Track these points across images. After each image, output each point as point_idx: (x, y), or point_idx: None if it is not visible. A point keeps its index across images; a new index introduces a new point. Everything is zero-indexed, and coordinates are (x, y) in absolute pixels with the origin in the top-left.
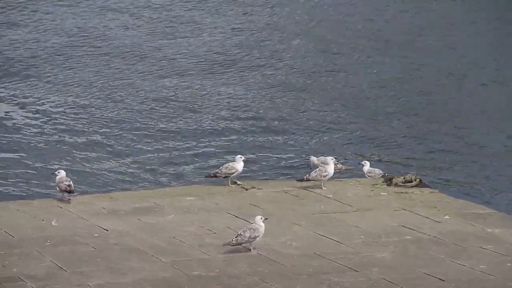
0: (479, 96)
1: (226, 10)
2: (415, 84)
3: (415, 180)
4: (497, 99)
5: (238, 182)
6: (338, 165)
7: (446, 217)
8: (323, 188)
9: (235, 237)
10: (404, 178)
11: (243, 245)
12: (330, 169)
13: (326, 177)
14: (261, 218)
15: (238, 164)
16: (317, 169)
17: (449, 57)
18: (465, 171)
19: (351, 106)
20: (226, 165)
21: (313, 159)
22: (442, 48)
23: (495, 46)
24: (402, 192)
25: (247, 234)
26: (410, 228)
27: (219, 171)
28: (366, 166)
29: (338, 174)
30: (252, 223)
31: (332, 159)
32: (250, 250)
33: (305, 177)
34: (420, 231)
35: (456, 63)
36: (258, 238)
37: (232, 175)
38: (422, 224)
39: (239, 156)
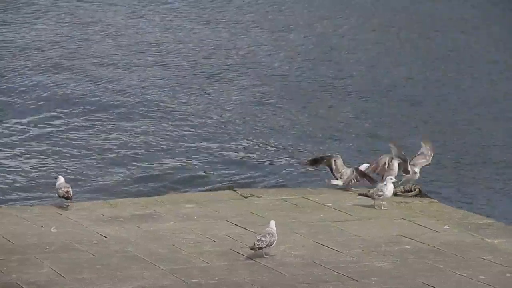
0: (485, 104)
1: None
2: (417, 90)
3: (415, 190)
4: (505, 107)
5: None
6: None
7: (446, 227)
8: (383, 208)
9: (257, 241)
10: (403, 187)
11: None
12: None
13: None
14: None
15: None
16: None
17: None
18: (465, 181)
19: (352, 115)
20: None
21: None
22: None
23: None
24: (401, 202)
25: (267, 239)
26: (409, 238)
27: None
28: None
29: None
30: (268, 228)
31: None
32: (263, 255)
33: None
34: (420, 240)
35: (465, 69)
36: (274, 243)
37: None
38: (422, 234)
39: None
